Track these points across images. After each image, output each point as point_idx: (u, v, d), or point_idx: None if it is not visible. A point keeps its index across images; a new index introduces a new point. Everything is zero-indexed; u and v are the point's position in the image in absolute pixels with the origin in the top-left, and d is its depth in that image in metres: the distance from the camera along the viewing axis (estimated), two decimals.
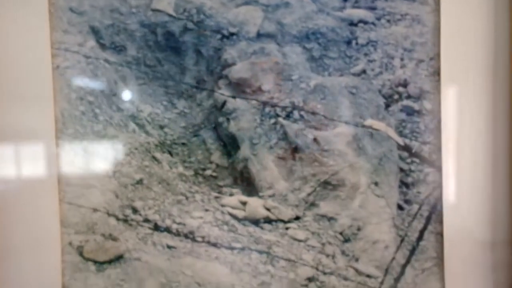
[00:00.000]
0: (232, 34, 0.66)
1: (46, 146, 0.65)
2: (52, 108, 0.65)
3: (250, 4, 0.66)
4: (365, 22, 0.67)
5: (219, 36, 0.66)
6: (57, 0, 0.64)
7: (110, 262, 0.67)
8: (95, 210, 0.66)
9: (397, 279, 0.68)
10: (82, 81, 0.66)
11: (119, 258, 0.67)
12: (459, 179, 0.68)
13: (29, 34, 0.64)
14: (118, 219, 0.67)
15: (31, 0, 0.63)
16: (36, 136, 0.65)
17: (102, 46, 0.66)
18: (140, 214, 0.67)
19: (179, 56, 0.66)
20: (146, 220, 0.67)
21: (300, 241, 0.68)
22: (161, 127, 0.67)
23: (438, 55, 0.67)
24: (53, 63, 0.64)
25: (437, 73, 0.67)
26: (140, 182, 0.67)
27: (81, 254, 0.67)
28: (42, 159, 0.66)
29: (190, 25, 0.66)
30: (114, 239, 0.67)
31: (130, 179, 0.67)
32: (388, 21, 0.67)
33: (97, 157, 0.66)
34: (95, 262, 0.67)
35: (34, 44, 0.64)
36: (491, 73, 0.67)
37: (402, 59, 0.67)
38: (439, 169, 0.68)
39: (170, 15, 0.66)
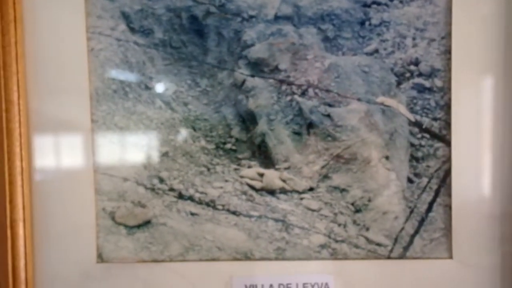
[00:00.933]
0: (251, 16, 0.71)
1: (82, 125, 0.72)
2: (88, 98, 0.71)
3: None
4: (378, 3, 0.70)
5: (239, 19, 0.71)
6: None
7: (139, 226, 0.74)
8: (125, 179, 0.73)
9: (406, 248, 0.72)
10: (114, 62, 0.72)
11: (147, 223, 0.73)
12: (467, 154, 0.70)
13: (66, 20, 0.70)
14: (146, 188, 0.73)
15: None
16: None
17: (132, 30, 0.71)
18: (166, 184, 0.73)
19: (202, 38, 0.71)
20: (171, 189, 0.73)
21: (313, 210, 0.73)
22: (185, 104, 0.72)
23: (449, 34, 0.69)
24: (88, 46, 0.71)
25: (448, 51, 0.69)
26: (166, 154, 0.73)
27: (113, 219, 0.74)
28: (79, 140, 0.73)
29: (212, 9, 0.71)
30: (143, 206, 0.74)
31: (157, 152, 0.73)
32: (401, 1, 0.69)
33: (127, 131, 0.73)
34: (125, 226, 0.74)
35: (71, 29, 0.70)
36: (502, 51, 0.69)
37: (414, 39, 0.70)
38: (448, 144, 0.71)
39: (194, 0, 0.71)
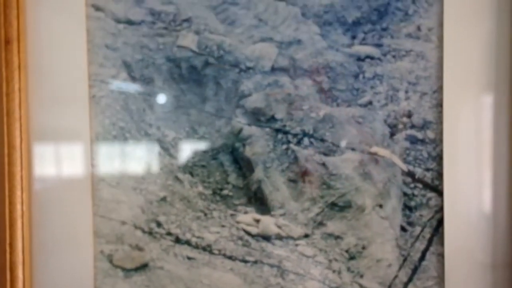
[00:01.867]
0: (249, 68, 0.73)
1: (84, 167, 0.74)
2: (89, 145, 0.73)
3: (265, 41, 0.72)
4: (372, 58, 0.72)
5: (237, 70, 0.73)
6: (94, 38, 0.72)
7: (136, 269, 0.75)
8: (123, 223, 0.74)
9: None
10: (115, 109, 0.74)
11: (144, 266, 0.75)
12: (459, 204, 0.72)
13: (69, 68, 0.72)
14: (144, 231, 0.75)
15: (72, 38, 0.72)
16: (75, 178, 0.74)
17: (133, 78, 0.73)
18: (164, 228, 0.74)
19: (200, 87, 0.73)
20: (169, 233, 0.74)
21: (308, 257, 0.74)
22: (184, 151, 0.74)
23: (441, 88, 0.71)
24: (90, 93, 0.73)
25: (440, 105, 0.72)
26: (164, 199, 0.74)
27: (111, 261, 0.75)
28: (79, 189, 0.74)
29: (211, 60, 0.73)
30: (140, 249, 0.75)
31: (155, 196, 0.74)
32: (394, 56, 0.72)
33: (126, 176, 0.74)
34: (123, 269, 0.75)
35: (74, 76, 0.72)
36: (492, 106, 0.71)
37: (406, 92, 0.72)
38: (440, 194, 0.72)
39: (193, 51, 0.73)
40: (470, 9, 0.71)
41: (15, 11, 0.71)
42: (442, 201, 0.72)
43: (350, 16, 0.72)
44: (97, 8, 0.73)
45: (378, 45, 0.72)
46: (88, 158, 0.73)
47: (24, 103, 0.72)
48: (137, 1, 0.73)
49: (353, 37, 0.72)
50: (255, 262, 0.74)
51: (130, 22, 0.73)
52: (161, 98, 0.74)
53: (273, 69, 0.73)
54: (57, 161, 0.74)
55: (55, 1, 0.72)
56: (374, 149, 0.73)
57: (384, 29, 0.72)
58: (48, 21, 0.72)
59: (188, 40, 0.73)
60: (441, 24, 0.71)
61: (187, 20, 0.73)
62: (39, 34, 0.71)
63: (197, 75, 0.73)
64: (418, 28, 0.71)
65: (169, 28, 0.73)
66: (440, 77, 0.71)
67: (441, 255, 0.73)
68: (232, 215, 0.74)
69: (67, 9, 0.72)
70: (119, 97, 0.74)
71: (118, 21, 0.73)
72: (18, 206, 0.72)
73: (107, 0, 0.72)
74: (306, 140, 0.73)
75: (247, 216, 0.74)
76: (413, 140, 0.73)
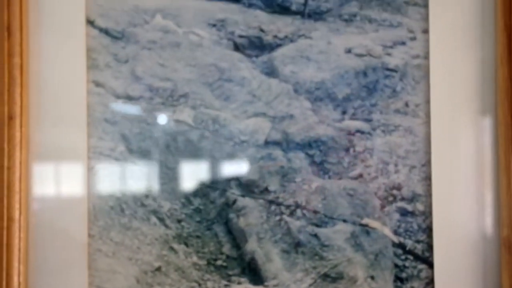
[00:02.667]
0: (243, 141, 0.75)
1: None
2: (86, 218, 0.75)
3: (259, 116, 0.75)
4: (362, 132, 0.74)
5: (231, 143, 0.75)
6: (94, 112, 0.75)
7: None
8: None
9: None
10: (112, 180, 0.76)
11: None
12: (450, 275, 0.73)
13: (69, 141, 0.75)
14: None
15: (72, 113, 0.74)
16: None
17: (130, 151, 0.76)
18: None
19: (196, 159, 0.76)
20: None
21: None
22: (179, 221, 0.75)
23: (429, 162, 0.74)
24: (88, 165, 0.75)
25: (428, 178, 0.74)
26: (158, 269, 0.75)
27: None
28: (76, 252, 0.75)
29: (207, 133, 0.75)
30: None
31: (150, 266, 0.75)
32: (383, 131, 0.74)
33: (122, 247, 0.75)
34: None
35: (74, 149, 0.75)
36: (479, 180, 0.73)
37: (396, 165, 0.74)
38: (431, 265, 0.73)
39: (189, 125, 0.76)
40: (456, 87, 0.74)
41: (19, 89, 0.74)
42: (432, 273, 0.73)
43: (340, 93, 0.75)
44: (98, 84, 0.76)
45: (368, 120, 0.74)
46: (85, 228, 0.75)
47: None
48: (136, 78, 0.76)
49: (344, 112, 0.75)
50: None
51: (129, 98, 0.76)
52: (158, 170, 0.76)
53: (267, 143, 0.75)
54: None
55: (57, 77, 0.75)
56: (365, 220, 0.74)
57: (373, 105, 0.74)
58: (50, 97, 0.75)
59: (185, 114, 0.76)
60: (428, 101, 0.74)
61: (184, 95, 0.76)
62: (41, 110, 0.74)
63: (193, 148, 0.76)
64: (406, 104, 0.74)
65: (167, 103, 0.76)
66: (428, 152, 0.74)
67: None
68: (226, 285, 0.75)
69: (68, 85, 0.75)
70: (116, 169, 0.76)
71: (118, 96, 0.76)
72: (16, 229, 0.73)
73: (107, 76, 0.76)
74: (298, 212, 0.75)
75: (241, 287, 0.75)
76: (403, 212, 0.74)
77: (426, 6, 0.74)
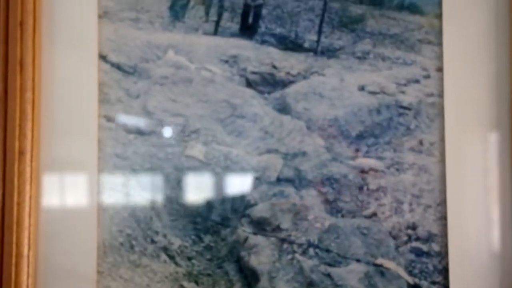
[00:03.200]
0: (255, 178, 0.74)
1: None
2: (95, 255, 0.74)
3: (271, 153, 0.74)
4: (376, 170, 0.73)
5: (243, 180, 0.74)
6: (104, 147, 0.75)
7: None
8: None
9: None
10: (122, 216, 0.75)
11: None
12: None
13: (80, 177, 0.74)
14: None
15: (83, 149, 0.74)
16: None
17: (141, 186, 0.75)
18: None
19: (206, 195, 0.75)
20: None
21: None
22: (189, 259, 0.74)
23: (444, 201, 0.72)
24: (98, 201, 0.74)
25: (444, 217, 0.72)
26: None
27: None
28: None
29: (218, 169, 0.75)
30: None
31: None
32: (397, 169, 0.73)
33: (132, 284, 0.74)
34: None
35: (84, 185, 0.74)
36: (497, 220, 0.71)
37: (410, 204, 0.73)
38: None
39: (201, 161, 0.75)
40: (471, 126, 0.73)
41: (30, 124, 0.74)
42: None
43: (353, 130, 0.74)
44: (109, 119, 0.76)
45: (382, 158, 0.73)
46: (94, 265, 0.74)
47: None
48: (148, 113, 0.76)
49: (357, 150, 0.74)
50: None
51: (140, 133, 0.75)
52: (168, 206, 0.75)
53: (279, 180, 0.74)
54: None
55: (68, 112, 0.75)
56: (380, 260, 0.73)
57: (387, 143, 0.74)
58: (62, 132, 0.75)
59: (196, 150, 0.75)
60: (442, 139, 0.73)
61: (196, 131, 0.75)
62: (52, 147, 0.74)
63: (204, 184, 0.75)
64: (420, 143, 0.73)
65: (178, 138, 0.75)
66: (443, 191, 0.72)
67: None
68: None
69: (80, 120, 0.75)
70: (127, 205, 0.75)
71: (129, 131, 0.76)
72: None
73: (119, 111, 0.76)
74: (311, 251, 0.73)
75: None
76: (418, 253, 0.73)
77: (440, 44, 0.73)
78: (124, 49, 0.77)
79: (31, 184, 0.73)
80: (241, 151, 0.75)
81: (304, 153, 0.74)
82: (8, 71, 0.75)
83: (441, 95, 0.73)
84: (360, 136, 0.74)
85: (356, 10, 0.75)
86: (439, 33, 0.73)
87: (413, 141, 0.73)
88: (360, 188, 0.73)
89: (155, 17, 0.77)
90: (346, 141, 0.74)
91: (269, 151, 0.75)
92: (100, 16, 0.77)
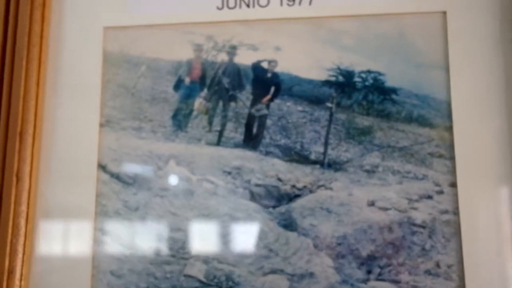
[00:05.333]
0: None
1: None
2: None
3: (276, 273, 0.69)
4: None
5: None
6: (100, 264, 0.70)
7: None
8: None
9: None
10: None
11: None
12: None
13: None
14: None
15: (78, 263, 0.70)
16: None
17: None
18: None
19: None
20: None
21: None
22: None
23: None
24: None
25: None
26: None
27: None
28: None
29: None
30: None
31: None
32: None
33: None
34: None
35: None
36: None
37: None
38: None
39: (201, 281, 0.70)
40: (490, 246, 0.67)
41: (22, 240, 0.70)
42: None
43: (364, 249, 0.69)
44: (104, 233, 0.72)
45: (396, 282, 0.67)
46: None
47: None
48: (146, 227, 0.72)
49: (369, 272, 0.68)
50: None
51: (136, 249, 0.71)
52: None
53: None
54: None
55: (64, 227, 0.71)
56: None
57: (401, 265, 0.68)
58: (55, 251, 0.71)
59: (196, 269, 0.70)
60: (461, 261, 0.67)
61: (196, 248, 0.71)
62: (46, 265, 0.70)
63: None
64: (437, 265, 0.68)
65: (177, 255, 0.71)
66: None
67: None
68: None
69: (76, 236, 0.71)
70: None
71: (126, 246, 0.71)
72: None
73: (116, 224, 0.72)
74: None
75: None
76: None
77: (452, 158, 0.70)
78: (124, 158, 0.75)
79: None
80: (244, 271, 0.69)
81: (311, 274, 0.69)
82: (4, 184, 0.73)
83: (456, 212, 0.69)
84: (372, 257, 0.69)
85: (363, 121, 0.73)
86: (451, 146, 0.70)
87: (429, 263, 0.68)
88: None
89: (158, 126, 0.76)
90: (356, 261, 0.69)
91: (273, 271, 0.69)
92: (101, 125, 0.76)
